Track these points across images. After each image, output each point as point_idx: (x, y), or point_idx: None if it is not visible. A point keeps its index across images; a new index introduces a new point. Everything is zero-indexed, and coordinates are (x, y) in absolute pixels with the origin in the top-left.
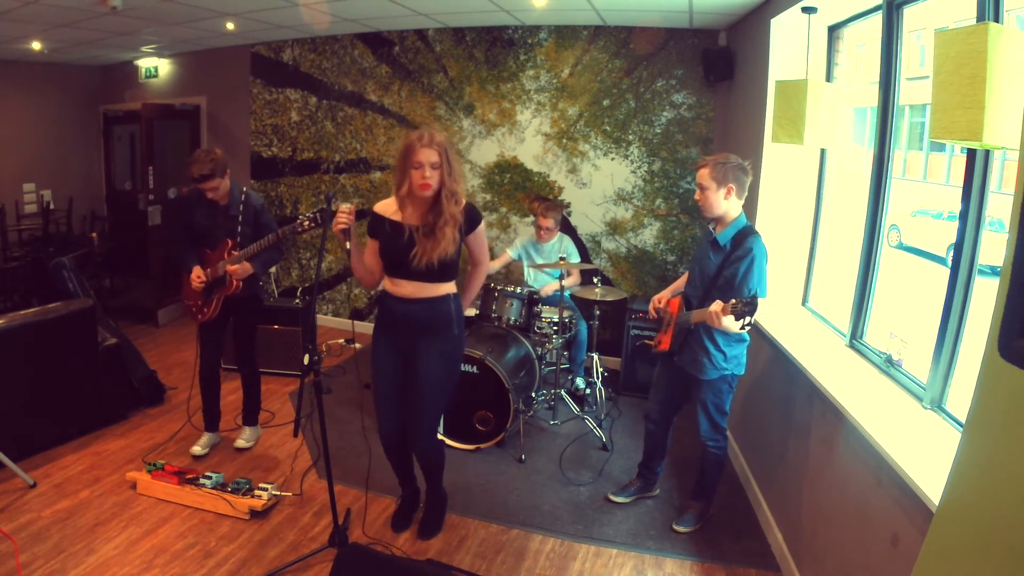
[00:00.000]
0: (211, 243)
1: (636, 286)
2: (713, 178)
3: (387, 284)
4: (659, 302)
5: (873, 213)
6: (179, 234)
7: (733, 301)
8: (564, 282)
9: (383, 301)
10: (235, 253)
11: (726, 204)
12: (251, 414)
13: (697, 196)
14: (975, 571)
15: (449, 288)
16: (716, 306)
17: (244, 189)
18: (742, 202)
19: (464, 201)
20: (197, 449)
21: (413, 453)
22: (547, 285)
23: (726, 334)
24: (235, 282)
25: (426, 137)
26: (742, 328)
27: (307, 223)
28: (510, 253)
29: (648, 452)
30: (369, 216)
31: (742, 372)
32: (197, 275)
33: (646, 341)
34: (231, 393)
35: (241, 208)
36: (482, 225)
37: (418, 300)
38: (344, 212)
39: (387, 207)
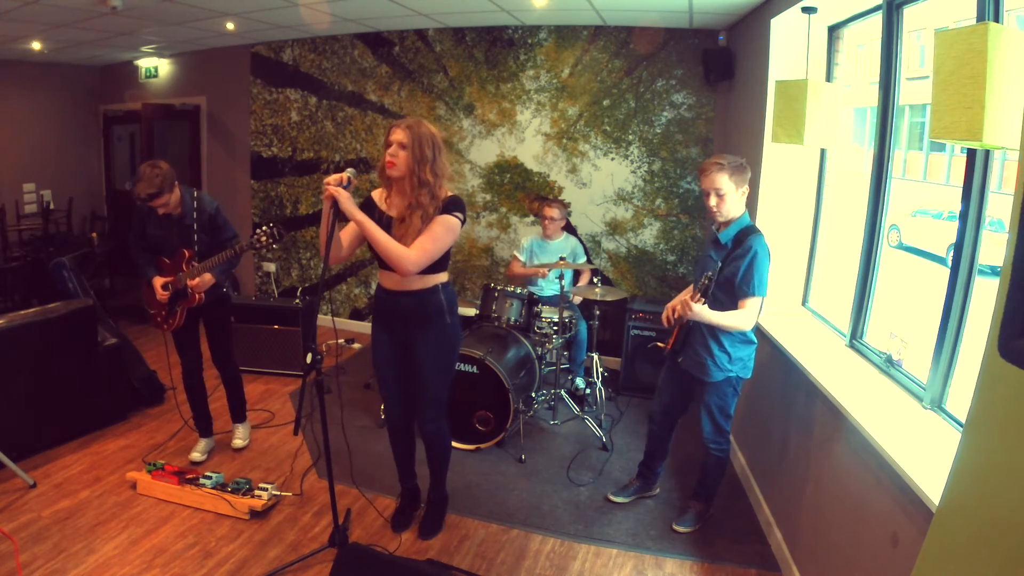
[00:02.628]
0: (167, 252)
1: (636, 286)
2: (733, 181)
3: (379, 275)
4: (672, 311)
5: (873, 213)
6: (135, 243)
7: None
8: (574, 287)
9: (376, 294)
10: (195, 264)
11: (739, 205)
12: (238, 412)
13: (713, 203)
14: (975, 571)
15: (437, 279)
16: (684, 294)
17: (196, 194)
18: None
19: (444, 195)
20: (196, 455)
21: (421, 437)
22: (576, 290)
23: (731, 334)
24: (198, 296)
25: (407, 121)
26: (704, 303)
27: (264, 238)
28: (521, 258)
29: (649, 452)
30: (365, 199)
31: (748, 375)
32: (160, 286)
33: (658, 343)
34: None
35: (195, 215)
36: (450, 220)
37: (406, 292)
38: (333, 179)
39: (379, 195)
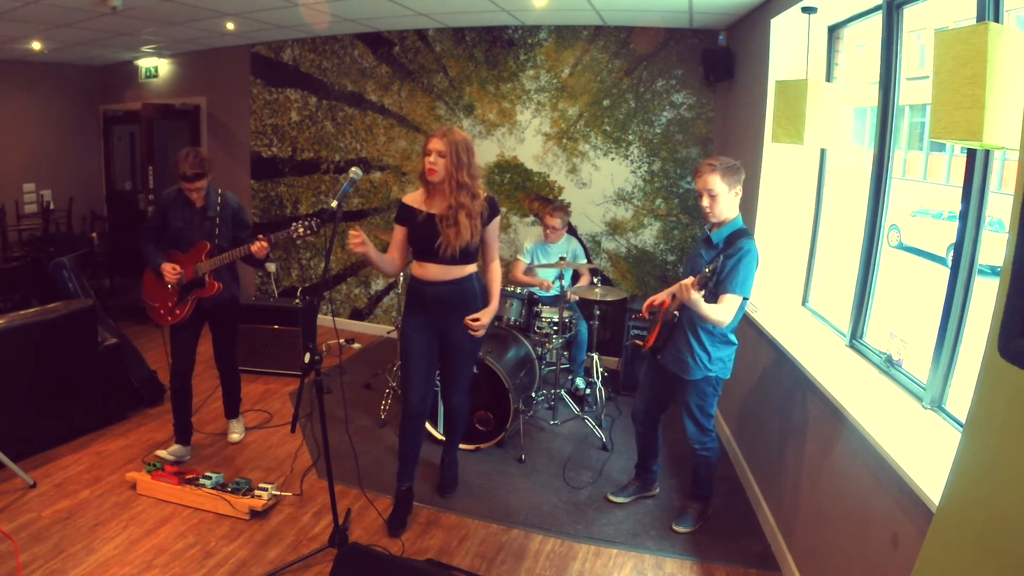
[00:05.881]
0: (184, 245)
1: (636, 286)
2: (725, 183)
3: (415, 268)
4: (654, 303)
5: (873, 213)
6: (148, 233)
7: (700, 274)
8: (572, 286)
9: (412, 285)
10: (218, 256)
11: (732, 206)
12: (233, 408)
13: (706, 203)
14: (975, 571)
15: (471, 269)
16: (687, 280)
17: (220, 190)
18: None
19: (483, 194)
20: (164, 453)
21: (449, 408)
22: (575, 289)
23: (712, 335)
24: (215, 284)
25: (441, 130)
26: (703, 294)
27: (301, 229)
28: (524, 260)
29: (641, 452)
30: (399, 206)
31: (727, 376)
32: (173, 268)
33: (636, 341)
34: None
35: (219, 209)
36: (498, 220)
37: (446, 282)
38: (354, 236)
39: (415, 198)
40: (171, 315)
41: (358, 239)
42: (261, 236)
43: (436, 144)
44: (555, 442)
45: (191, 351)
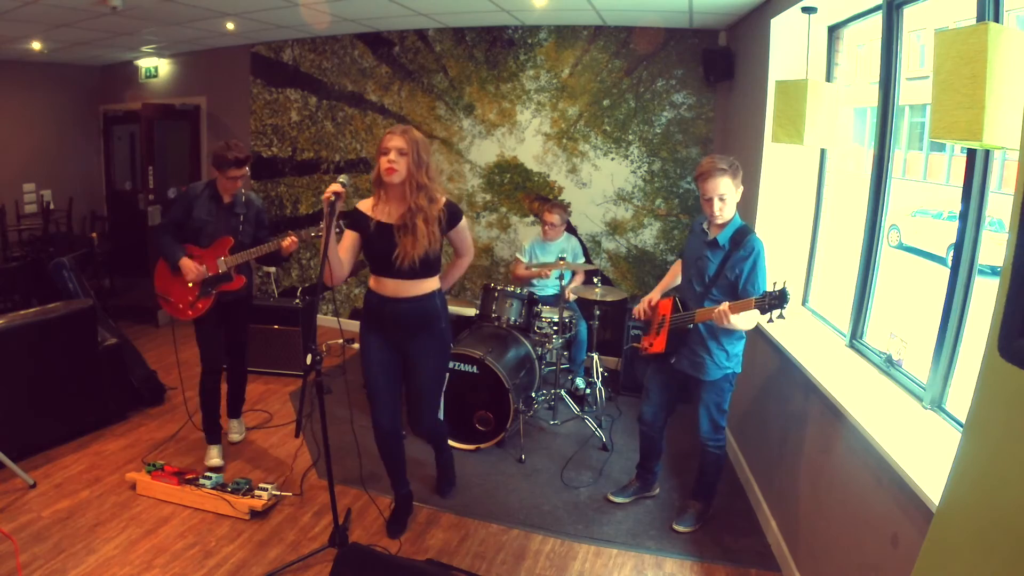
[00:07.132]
0: (205, 240)
1: (636, 286)
2: (734, 184)
3: (371, 282)
4: (649, 303)
5: (873, 213)
6: (169, 226)
7: (759, 296)
8: (570, 284)
9: (369, 300)
10: (241, 252)
11: (735, 205)
12: (236, 408)
13: (717, 209)
14: (975, 571)
15: (433, 284)
16: (723, 306)
17: (244, 190)
18: None
19: (442, 199)
20: (217, 461)
21: (419, 436)
22: (573, 288)
23: (729, 332)
24: (241, 278)
25: (398, 128)
26: (769, 320)
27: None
28: (523, 259)
29: (644, 453)
30: (351, 211)
31: (740, 370)
32: (197, 267)
33: (634, 344)
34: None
35: (244, 207)
36: (464, 221)
37: (404, 299)
38: (336, 187)
39: (369, 205)
40: (191, 309)
41: (336, 187)
42: (290, 232)
43: (396, 142)
44: (555, 442)
45: (220, 347)
